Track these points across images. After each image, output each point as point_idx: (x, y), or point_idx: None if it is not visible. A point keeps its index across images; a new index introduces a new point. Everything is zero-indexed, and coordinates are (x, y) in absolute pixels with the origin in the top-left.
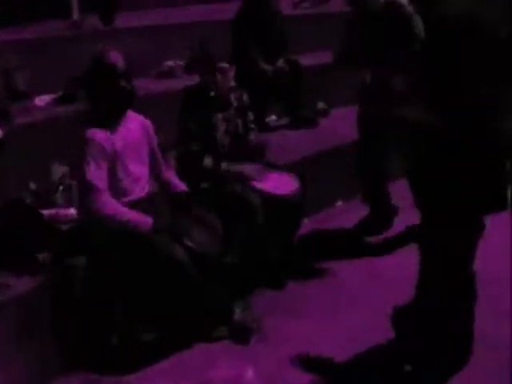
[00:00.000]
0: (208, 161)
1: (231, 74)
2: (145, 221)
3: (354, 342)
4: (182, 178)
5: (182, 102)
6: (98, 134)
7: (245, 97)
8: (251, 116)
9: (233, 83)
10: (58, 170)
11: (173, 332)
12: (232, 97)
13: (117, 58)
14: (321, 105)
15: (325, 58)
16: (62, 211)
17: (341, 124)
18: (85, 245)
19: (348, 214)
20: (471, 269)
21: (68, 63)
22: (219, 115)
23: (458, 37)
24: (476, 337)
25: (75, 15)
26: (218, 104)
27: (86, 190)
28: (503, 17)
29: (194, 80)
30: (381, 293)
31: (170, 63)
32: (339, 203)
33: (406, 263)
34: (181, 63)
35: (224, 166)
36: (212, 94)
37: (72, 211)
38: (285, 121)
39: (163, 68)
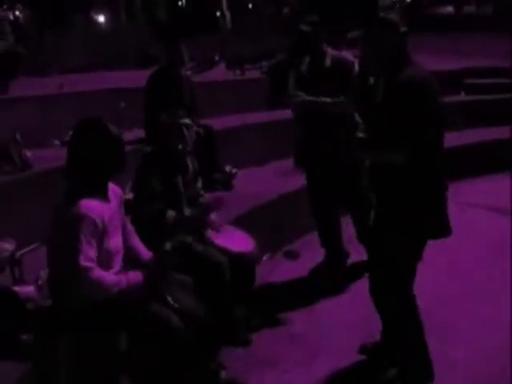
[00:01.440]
0: (170, 213)
1: (194, 129)
2: (137, 276)
3: None
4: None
5: (142, 166)
6: (92, 209)
7: (196, 164)
8: (200, 182)
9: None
10: (6, 246)
11: None
12: (188, 160)
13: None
14: (228, 168)
15: (226, 122)
16: (20, 289)
17: (250, 184)
18: (65, 323)
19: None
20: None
21: None
22: (179, 177)
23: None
24: None
25: None
26: (178, 164)
27: (76, 275)
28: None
29: None
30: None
31: None
32: (265, 257)
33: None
34: None
35: (187, 212)
36: (180, 147)
37: (31, 289)
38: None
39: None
